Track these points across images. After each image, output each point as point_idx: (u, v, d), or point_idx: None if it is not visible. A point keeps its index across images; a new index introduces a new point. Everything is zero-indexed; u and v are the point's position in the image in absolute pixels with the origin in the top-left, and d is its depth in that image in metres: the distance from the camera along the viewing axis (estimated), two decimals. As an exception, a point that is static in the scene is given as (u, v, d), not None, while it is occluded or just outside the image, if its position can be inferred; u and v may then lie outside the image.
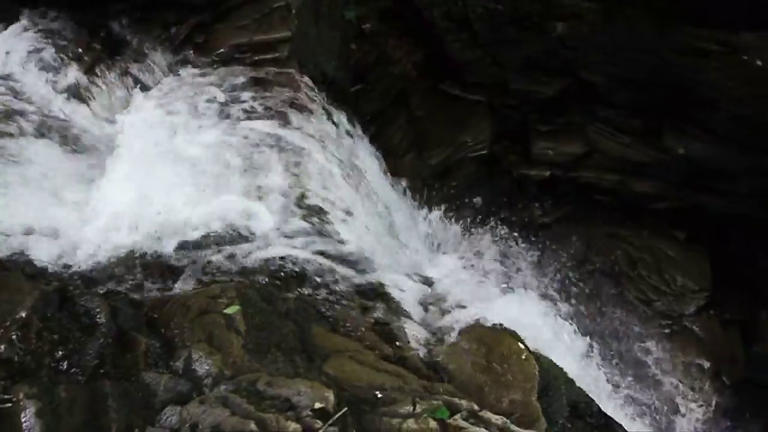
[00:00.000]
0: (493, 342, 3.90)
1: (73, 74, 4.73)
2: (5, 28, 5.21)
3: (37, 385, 2.92)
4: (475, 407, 3.29)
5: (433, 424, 3.12)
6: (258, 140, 4.65)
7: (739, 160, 6.99)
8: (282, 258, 4.06)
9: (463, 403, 3.33)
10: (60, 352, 3.21)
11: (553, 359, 4.23)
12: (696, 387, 7.75)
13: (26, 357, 3.04)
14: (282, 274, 4.03)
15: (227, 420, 2.99)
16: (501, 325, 4.00)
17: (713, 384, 7.73)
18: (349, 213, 4.49)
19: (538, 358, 3.91)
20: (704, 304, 7.92)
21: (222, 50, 5.39)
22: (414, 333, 3.90)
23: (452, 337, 3.92)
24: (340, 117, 5.50)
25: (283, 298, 3.86)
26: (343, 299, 3.98)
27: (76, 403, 3.05)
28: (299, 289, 3.96)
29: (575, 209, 8.14)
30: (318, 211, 4.36)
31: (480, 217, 7.41)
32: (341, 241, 4.33)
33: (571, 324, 7.05)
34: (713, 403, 7.72)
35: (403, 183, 6.78)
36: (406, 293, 4.19)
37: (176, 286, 3.90)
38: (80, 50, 4.92)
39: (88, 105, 4.61)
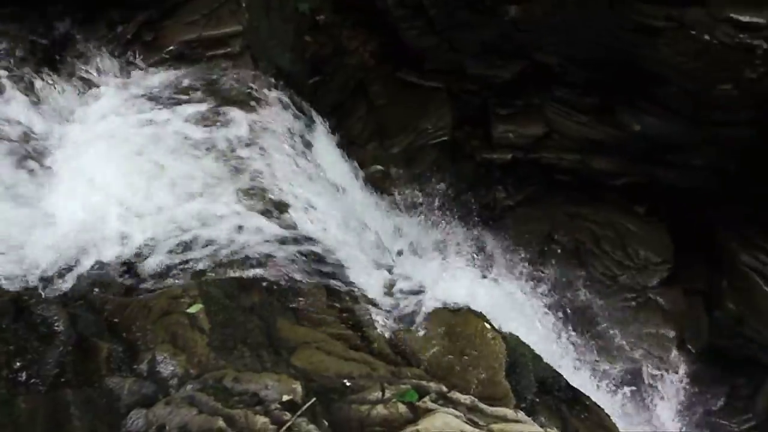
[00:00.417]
0: (460, 324, 3.94)
1: (16, 76, 4.57)
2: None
3: (-6, 397, 2.85)
4: (444, 389, 3.32)
5: (402, 408, 3.15)
6: (213, 137, 4.59)
7: (691, 134, 7.16)
8: (245, 254, 4.02)
9: (432, 385, 3.36)
10: (18, 363, 3.14)
11: (520, 337, 4.30)
12: (663, 356, 7.95)
13: (-18, 370, 2.97)
14: (245, 269, 3.99)
15: (194, 419, 2.97)
16: (467, 307, 4.03)
17: (679, 352, 7.94)
18: (310, 206, 4.47)
19: (505, 337, 3.96)
20: (667, 275, 8.11)
21: (171, 47, 5.28)
22: (380, 320, 3.91)
23: (419, 321, 3.94)
24: (298, 110, 5.46)
25: (247, 293, 3.83)
26: (308, 291, 3.97)
27: (38, 413, 2.99)
28: (263, 284, 3.93)
29: (538, 190, 8.24)
30: (279, 205, 4.33)
31: (444, 202, 7.44)
32: (304, 234, 4.30)
33: (538, 302, 7.17)
34: (680, 370, 7.93)
35: (367, 172, 6.77)
36: (371, 281, 4.20)
37: (137, 289, 3.83)
38: (24, 52, 4.77)
39: (34, 107, 4.47)
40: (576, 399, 4.03)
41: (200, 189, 4.26)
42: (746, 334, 7.87)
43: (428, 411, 3.10)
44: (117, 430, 3.01)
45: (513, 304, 6.19)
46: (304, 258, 4.11)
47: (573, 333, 7.57)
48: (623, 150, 7.83)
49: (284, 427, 2.86)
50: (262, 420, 2.93)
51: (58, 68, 4.93)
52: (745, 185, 7.44)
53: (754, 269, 7.54)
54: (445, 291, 4.34)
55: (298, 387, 3.14)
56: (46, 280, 3.69)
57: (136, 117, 4.63)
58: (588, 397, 4.11)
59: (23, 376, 3.12)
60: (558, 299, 7.49)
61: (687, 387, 7.98)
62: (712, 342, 8.08)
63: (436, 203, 7.34)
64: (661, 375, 7.85)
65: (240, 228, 4.09)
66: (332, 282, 4.10)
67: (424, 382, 3.36)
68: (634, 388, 7.72)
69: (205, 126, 4.68)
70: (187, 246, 4.02)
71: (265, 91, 5.13)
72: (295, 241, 4.20)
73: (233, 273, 3.97)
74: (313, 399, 3.08)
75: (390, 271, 4.42)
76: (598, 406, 4.06)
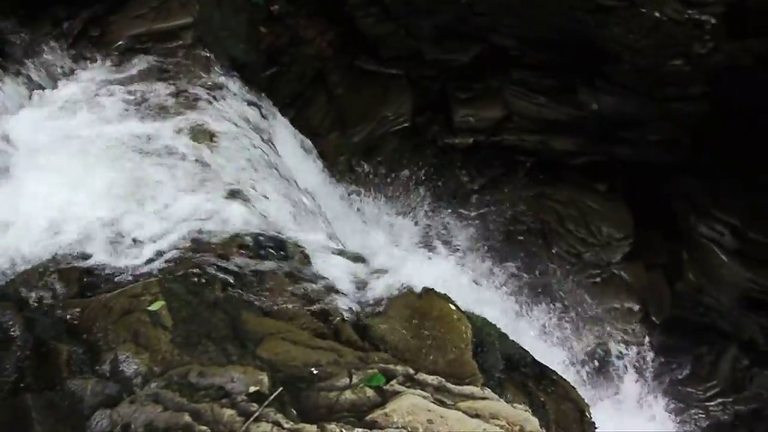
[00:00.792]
0: (425, 307, 3.97)
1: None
2: None
3: (-51, 407, 2.78)
4: (411, 371, 3.35)
5: (370, 392, 3.16)
6: (166, 131, 4.51)
7: (646, 110, 7.32)
8: (205, 248, 3.97)
9: (399, 368, 3.38)
10: (-27, 371, 3.06)
11: (486, 317, 4.35)
12: (628, 329, 8.15)
13: (-66, 380, 2.89)
14: (207, 264, 3.95)
15: (160, 416, 2.93)
16: (431, 289, 4.06)
17: (644, 324, 8.14)
18: (269, 197, 4.44)
19: (470, 317, 4.00)
20: (629, 250, 8.30)
21: (120, 42, 5.16)
22: (346, 307, 3.91)
23: (384, 306, 3.95)
24: (255, 101, 5.40)
25: (210, 288, 3.79)
26: (272, 282, 3.94)
27: (-3, 420, 2.92)
28: (226, 278, 3.89)
29: (501, 173, 8.33)
30: (237, 196, 4.29)
31: (408, 188, 7.47)
32: (265, 225, 4.27)
33: (504, 282, 7.27)
34: (645, 342, 8.14)
35: (328, 161, 6.75)
36: (335, 269, 4.19)
37: (96, 289, 3.76)
38: (-35, 53, 4.63)
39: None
40: (542, 374, 4.10)
41: (154, 184, 4.19)
42: (706, 303, 8.11)
43: (396, 393, 3.12)
44: (81, 432, 2.96)
45: (479, 286, 6.26)
46: (265, 249, 4.08)
47: (541, 311, 7.70)
48: (582, 129, 7.96)
49: (251, 418, 2.85)
50: (229, 413, 2.91)
51: (4, 67, 4.78)
52: (699, 158, 7.65)
53: (711, 239, 7.77)
54: (410, 275, 4.35)
55: (264, 378, 3.13)
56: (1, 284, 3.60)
57: (85, 114, 4.52)
58: (554, 372, 4.19)
59: (-20, 383, 3.04)
60: (525, 279, 7.59)
61: (653, 358, 8.21)
62: (675, 313, 8.30)
63: (400, 190, 7.37)
64: (627, 347, 8.04)
65: (198, 221, 4.05)
66: (296, 272, 4.08)
67: (391, 366, 3.37)
68: (602, 361, 7.90)
69: (158, 120, 4.59)
70: (145, 243, 3.96)
71: (220, 82, 5.06)
72: (257, 232, 4.16)
73: (195, 268, 3.92)
74: (280, 389, 3.07)
75: (354, 258, 4.42)
76: (564, 379, 4.14)
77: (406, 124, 7.77)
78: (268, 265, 4.05)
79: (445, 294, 4.10)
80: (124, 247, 4.02)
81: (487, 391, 3.26)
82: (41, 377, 3.21)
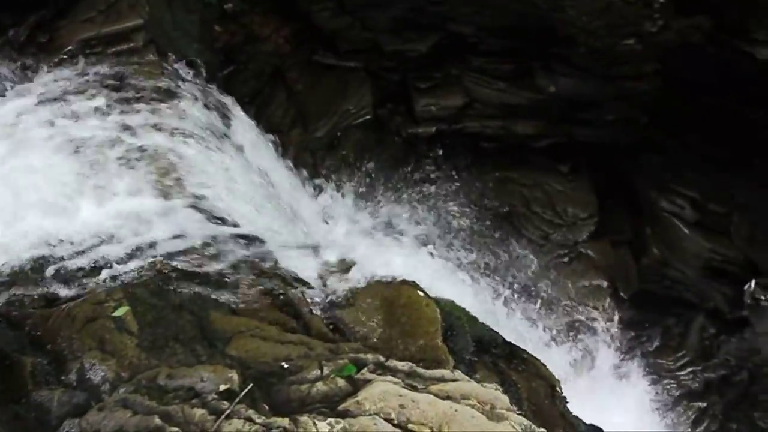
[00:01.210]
0: (393, 295, 3.99)
1: None
2: None
3: None
4: (381, 358, 3.37)
5: (341, 382, 3.17)
6: (122, 135, 4.44)
7: (603, 90, 7.45)
8: (168, 250, 3.94)
9: (369, 357, 3.40)
10: (-67, 389, 2.99)
11: (455, 302, 4.40)
12: (598, 306, 8.32)
13: None
14: (171, 266, 3.91)
15: (129, 421, 2.90)
16: (399, 278, 4.08)
17: (612, 300, 8.33)
18: (231, 194, 4.41)
19: (439, 302, 4.04)
20: (594, 229, 8.47)
21: (70, 47, 5.04)
22: (315, 300, 3.92)
23: (353, 297, 3.97)
24: (212, 100, 5.34)
25: (175, 290, 3.75)
26: (239, 280, 3.93)
27: (-40, 437, 2.86)
28: (192, 278, 3.86)
29: (465, 160, 8.40)
30: (199, 198, 4.25)
31: (374, 181, 7.49)
32: (229, 224, 4.25)
33: (475, 269, 7.35)
34: (615, 317, 8.32)
35: (292, 158, 6.72)
36: (302, 264, 4.20)
37: (58, 299, 3.70)
38: None
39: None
40: (513, 353, 4.17)
41: (113, 189, 4.13)
42: (672, 276, 8.32)
43: (367, 382, 3.14)
44: (49, 444, 2.91)
45: (450, 273, 6.32)
46: (231, 248, 4.06)
47: (513, 294, 7.81)
48: (542, 112, 8.07)
49: (222, 416, 2.84)
50: (199, 412, 2.90)
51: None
52: (657, 135, 7.82)
53: (673, 213, 7.96)
54: (379, 266, 4.38)
55: (234, 375, 3.12)
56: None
57: (37, 121, 4.42)
58: (524, 351, 4.26)
59: (-59, 401, 2.97)
60: (494, 264, 7.69)
61: (624, 332, 8.39)
62: (642, 287, 8.50)
63: (366, 182, 7.38)
64: (598, 324, 8.21)
65: (160, 224, 4.01)
66: (263, 268, 4.07)
67: (361, 355, 3.39)
68: (574, 339, 8.06)
69: (113, 124, 4.52)
70: (107, 248, 3.90)
71: (175, 84, 5.00)
72: (221, 231, 4.14)
73: (160, 271, 3.88)
74: (251, 385, 3.06)
75: (321, 252, 4.42)
76: (534, 357, 4.22)
77: (368, 117, 7.78)
78: (233, 262, 4.02)
79: (413, 281, 4.13)
80: (85, 253, 3.96)
81: (458, 373, 3.30)
82: (6, 391, 3.15)
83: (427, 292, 4.09)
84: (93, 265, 3.82)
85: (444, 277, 5.98)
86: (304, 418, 2.83)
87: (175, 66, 5.25)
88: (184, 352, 3.38)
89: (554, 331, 7.84)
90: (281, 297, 3.92)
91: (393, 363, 3.34)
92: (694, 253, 7.97)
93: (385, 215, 7.06)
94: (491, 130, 8.25)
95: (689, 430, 8.01)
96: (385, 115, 8.06)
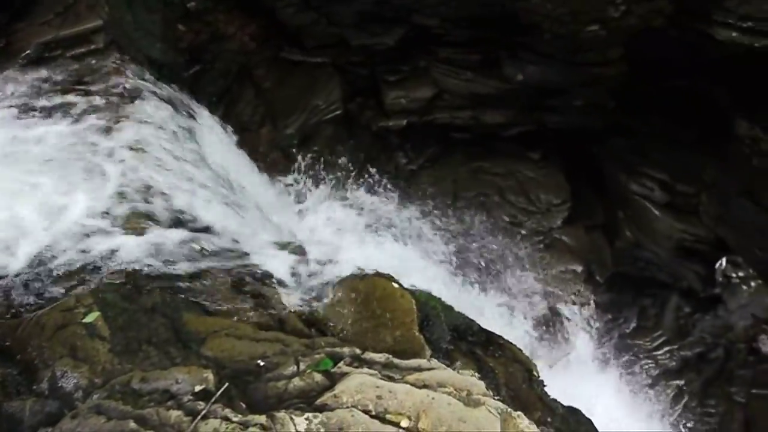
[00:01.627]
0: (369, 288, 3.99)
1: None
2: None
3: None
4: (357, 351, 3.37)
5: (318, 377, 3.17)
6: (85, 139, 4.35)
7: (569, 77, 7.51)
8: (137, 254, 3.87)
9: (346, 350, 3.40)
10: None
11: (431, 292, 4.41)
12: (575, 290, 8.41)
13: None
14: (143, 269, 3.85)
15: (104, 426, 2.86)
16: (373, 271, 4.09)
17: (588, 284, 8.43)
18: (198, 194, 4.35)
19: (414, 293, 4.05)
20: (568, 215, 8.55)
21: (28, 51, 4.93)
22: (289, 297, 3.90)
23: (328, 292, 3.96)
24: (177, 100, 5.26)
25: (147, 293, 3.70)
26: (212, 280, 3.89)
27: (-71, 452, 2.79)
28: (163, 281, 3.81)
29: (437, 151, 8.43)
30: (167, 199, 4.19)
31: (347, 175, 7.46)
32: (199, 225, 4.20)
33: (451, 259, 7.38)
34: (591, 301, 8.43)
35: (262, 155, 6.66)
36: (276, 262, 4.17)
37: (26, 307, 3.62)
38: None
39: None
40: (489, 340, 4.20)
41: (79, 193, 4.04)
42: (645, 257, 8.45)
43: (344, 375, 3.14)
44: (22, 455, 2.86)
45: (426, 264, 6.33)
46: (202, 248, 4.01)
47: (489, 283, 7.86)
48: (511, 101, 8.11)
49: (198, 417, 2.82)
50: (175, 414, 2.87)
51: None
52: (624, 119, 7.92)
53: (643, 196, 8.08)
54: (354, 260, 4.37)
55: (209, 375, 3.10)
56: None
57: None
58: (500, 337, 4.29)
59: None
60: (471, 253, 7.72)
61: (601, 315, 8.49)
62: (617, 270, 8.61)
63: (338, 177, 7.35)
64: (575, 308, 8.31)
65: (128, 227, 3.94)
66: (236, 268, 4.03)
67: (337, 349, 3.39)
68: (552, 324, 8.13)
69: (77, 129, 4.43)
70: (75, 255, 3.83)
71: (138, 84, 4.91)
72: (191, 233, 4.09)
73: (130, 276, 3.82)
74: (226, 384, 3.04)
75: (294, 249, 4.40)
76: (510, 343, 4.25)
77: (338, 112, 7.75)
78: (205, 263, 3.98)
79: (387, 274, 4.14)
80: (53, 261, 3.88)
81: (434, 362, 3.32)
82: (-25, 404, 3.07)
83: (402, 284, 4.09)
84: (60, 272, 3.74)
85: (419, 269, 5.99)
86: (281, 414, 2.82)
87: (138, 67, 5.16)
88: (157, 355, 3.34)
89: (532, 318, 7.91)
90: (255, 295, 3.89)
91: (369, 355, 3.35)
92: (666, 234, 8.09)
93: (358, 210, 7.04)
94: (461, 121, 8.28)
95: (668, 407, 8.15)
96: (355, 110, 8.04)
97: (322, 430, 2.74)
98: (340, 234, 5.97)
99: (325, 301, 3.93)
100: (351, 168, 7.52)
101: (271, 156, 6.96)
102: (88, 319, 3.43)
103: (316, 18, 7.48)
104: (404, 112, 8.01)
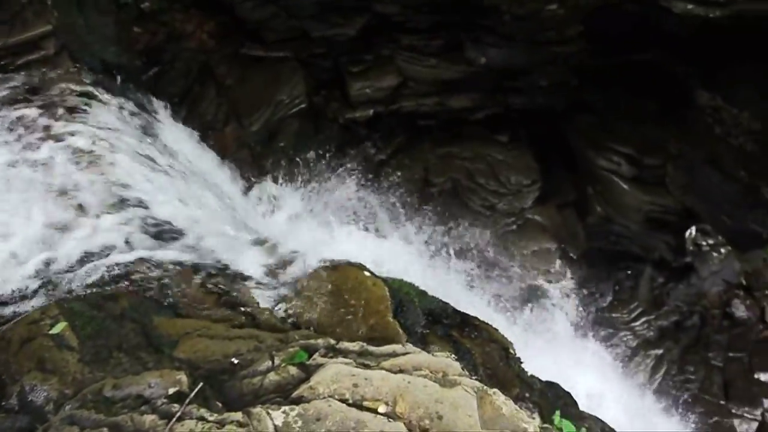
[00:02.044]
0: (340, 279, 3.98)
1: None
2: None
3: None
4: (332, 341, 3.36)
5: (293, 370, 3.15)
6: (43, 148, 4.25)
7: (532, 57, 7.56)
8: (103, 262, 3.81)
9: (320, 341, 3.38)
10: None
11: (405, 278, 4.41)
12: (550, 269, 8.49)
13: None
14: (109, 276, 3.79)
15: (77, 437, 2.82)
16: (344, 261, 4.07)
17: (563, 261, 8.51)
18: (162, 198, 4.28)
19: (386, 280, 4.05)
20: (539, 194, 8.62)
21: (-24, 62, 4.81)
22: (261, 293, 3.87)
23: (300, 286, 3.94)
24: (137, 103, 5.17)
25: (114, 300, 3.64)
26: (181, 282, 3.84)
27: None
28: (131, 286, 3.75)
29: (406, 139, 8.42)
30: (134, 204, 4.12)
31: (315, 169, 7.42)
32: (166, 228, 4.14)
33: (425, 246, 7.39)
34: (568, 277, 8.52)
35: (229, 154, 6.58)
36: (245, 258, 4.13)
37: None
38: None
39: None
40: (464, 321, 4.21)
41: (40, 205, 3.96)
42: (616, 231, 8.57)
43: (319, 366, 3.12)
44: (-7, 473, 2.80)
45: (400, 253, 6.34)
46: (169, 251, 3.96)
47: (467, 266, 7.89)
48: (476, 84, 8.14)
49: (173, 419, 2.78)
50: (150, 418, 2.83)
51: None
52: (588, 95, 8.00)
53: (610, 171, 8.18)
54: (327, 252, 4.35)
55: (182, 377, 3.06)
56: None
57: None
58: (475, 318, 4.31)
59: None
60: (444, 239, 7.75)
61: (578, 290, 8.59)
62: (590, 246, 8.72)
63: (307, 171, 7.30)
64: (552, 286, 8.39)
65: (91, 236, 3.87)
66: (205, 267, 3.99)
67: (311, 341, 3.37)
68: (531, 303, 8.20)
69: (32, 138, 4.32)
70: (37, 267, 3.75)
71: (93, 89, 4.81)
72: (157, 235, 4.03)
73: (97, 283, 3.76)
74: (201, 385, 3.01)
75: (263, 245, 4.36)
76: (486, 323, 4.27)
77: (303, 106, 7.69)
78: (174, 266, 3.93)
79: (358, 263, 4.12)
80: (15, 274, 3.80)
81: (409, 347, 3.31)
82: (-58, 425, 3.00)
83: (374, 272, 4.09)
84: (24, 285, 3.66)
85: (393, 257, 5.98)
86: (257, 410, 2.80)
87: (92, 72, 5.04)
88: (129, 361, 3.29)
89: (510, 298, 7.97)
90: (226, 293, 3.85)
91: (344, 345, 3.33)
92: (635, 207, 8.22)
93: (328, 201, 7.00)
94: (427, 107, 8.28)
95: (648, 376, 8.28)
96: (320, 103, 7.98)
97: (299, 422, 2.72)
98: (310, 227, 5.94)
99: (298, 294, 3.91)
100: (319, 161, 7.47)
101: (238, 153, 6.88)
102: (55, 330, 3.36)
103: (276, 11, 7.39)
104: (370, 102, 7.98)
